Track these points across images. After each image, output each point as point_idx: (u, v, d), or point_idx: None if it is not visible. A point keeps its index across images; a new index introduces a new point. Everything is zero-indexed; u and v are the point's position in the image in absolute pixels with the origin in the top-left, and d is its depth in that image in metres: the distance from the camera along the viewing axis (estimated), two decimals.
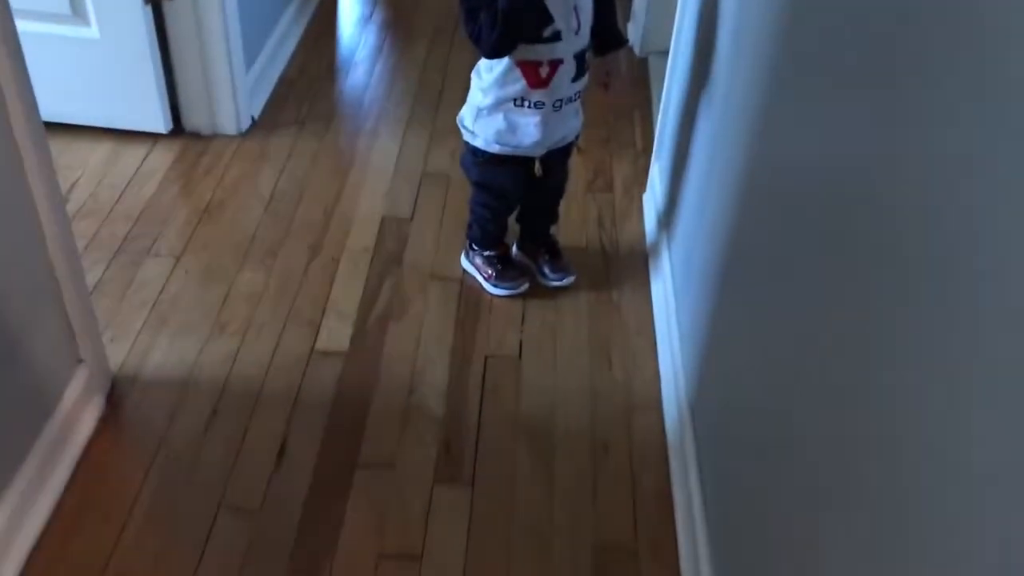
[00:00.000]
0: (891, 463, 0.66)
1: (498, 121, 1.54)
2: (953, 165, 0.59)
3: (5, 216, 1.20)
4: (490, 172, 1.62)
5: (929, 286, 0.61)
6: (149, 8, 1.90)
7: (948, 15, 0.61)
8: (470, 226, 1.72)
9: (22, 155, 1.23)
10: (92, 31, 1.91)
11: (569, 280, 1.74)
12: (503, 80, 1.50)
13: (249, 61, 2.13)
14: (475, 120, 1.56)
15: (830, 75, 0.87)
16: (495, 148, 1.57)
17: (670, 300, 1.62)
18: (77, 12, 1.89)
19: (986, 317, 0.53)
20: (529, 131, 1.54)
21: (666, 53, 1.90)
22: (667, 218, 1.77)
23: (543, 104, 1.51)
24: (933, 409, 0.59)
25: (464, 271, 1.76)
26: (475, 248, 1.74)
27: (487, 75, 1.52)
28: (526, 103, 1.51)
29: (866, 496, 0.70)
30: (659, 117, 1.98)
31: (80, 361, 1.39)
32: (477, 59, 1.52)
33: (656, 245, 1.80)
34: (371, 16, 2.66)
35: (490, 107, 1.53)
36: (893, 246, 0.67)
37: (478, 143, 1.58)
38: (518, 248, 1.79)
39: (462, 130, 1.61)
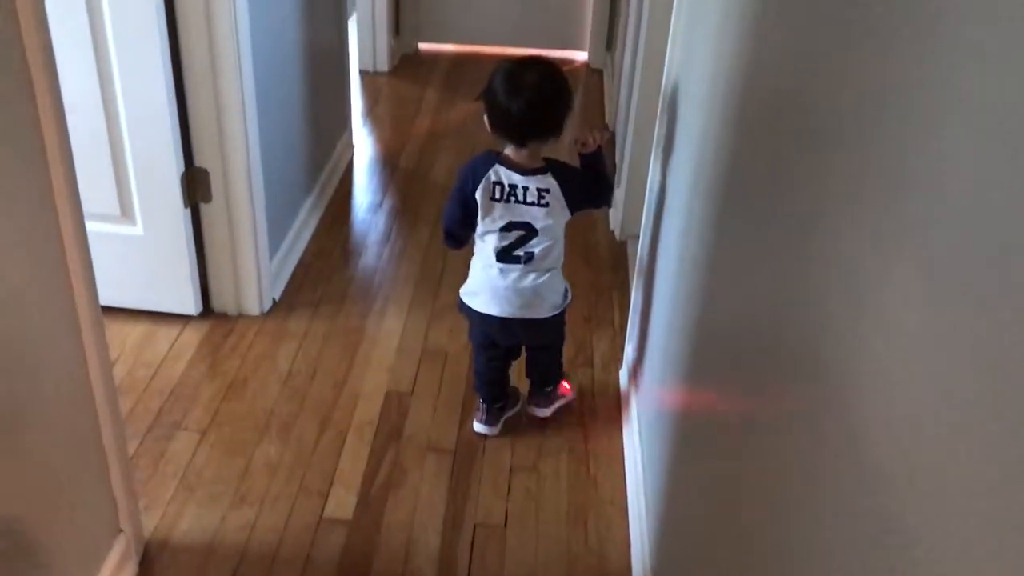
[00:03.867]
0: None
1: None
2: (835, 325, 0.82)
3: (67, 397, 1.43)
4: None
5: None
6: (188, 209, 2.20)
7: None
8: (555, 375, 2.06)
9: (83, 339, 1.47)
10: (137, 229, 2.21)
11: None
12: None
13: (273, 249, 2.42)
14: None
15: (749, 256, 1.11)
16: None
17: (639, 472, 1.83)
18: (126, 213, 2.19)
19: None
20: None
21: None
22: (638, 397, 1.99)
23: None
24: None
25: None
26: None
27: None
28: None
29: None
30: (632, 299, 2.24)
31: (120, 531, 1.59)
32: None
33: (629, 420, 2.02)
34: (381, 204, 2.98)
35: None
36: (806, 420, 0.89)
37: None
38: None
39: (564, 303, 1.90)
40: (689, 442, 1.42)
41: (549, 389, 2.06)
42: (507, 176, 1.75)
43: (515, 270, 1.80)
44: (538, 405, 2.07)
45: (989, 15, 0.52)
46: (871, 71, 0.71)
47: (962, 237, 0.54)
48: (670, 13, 1.90)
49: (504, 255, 1.79)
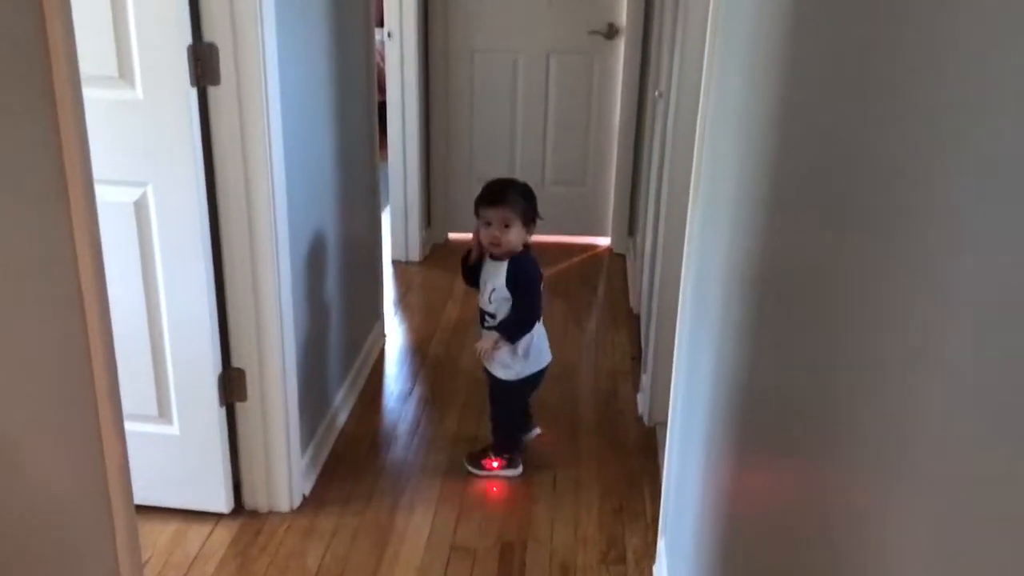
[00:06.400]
0: None
1: None
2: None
3: None
4: None
5: None
6: (224, 409, 2.26)
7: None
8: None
9: (116, 543, 1.48)
10: (174, 429, 2.26)
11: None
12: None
13: (304, 444, 2.46)
14: None
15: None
16: None
17: None
18: (163, 413, 2.25)
19: None
20: None
21: None
22: None
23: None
24: None
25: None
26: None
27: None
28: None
29: None
30: (663, 489, 2.22)
31: None
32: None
33: None
34: (411, 392, 3.03)
35: None
36: None
37: None
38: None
39: None
40: None
41: None
42: None
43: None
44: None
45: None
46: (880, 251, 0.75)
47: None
48: (687, 201, 2.00)
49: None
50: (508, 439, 2.55)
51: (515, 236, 2.32)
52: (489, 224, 2.32)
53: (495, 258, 2.38)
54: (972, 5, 0.60)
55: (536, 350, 2.44)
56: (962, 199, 0.59)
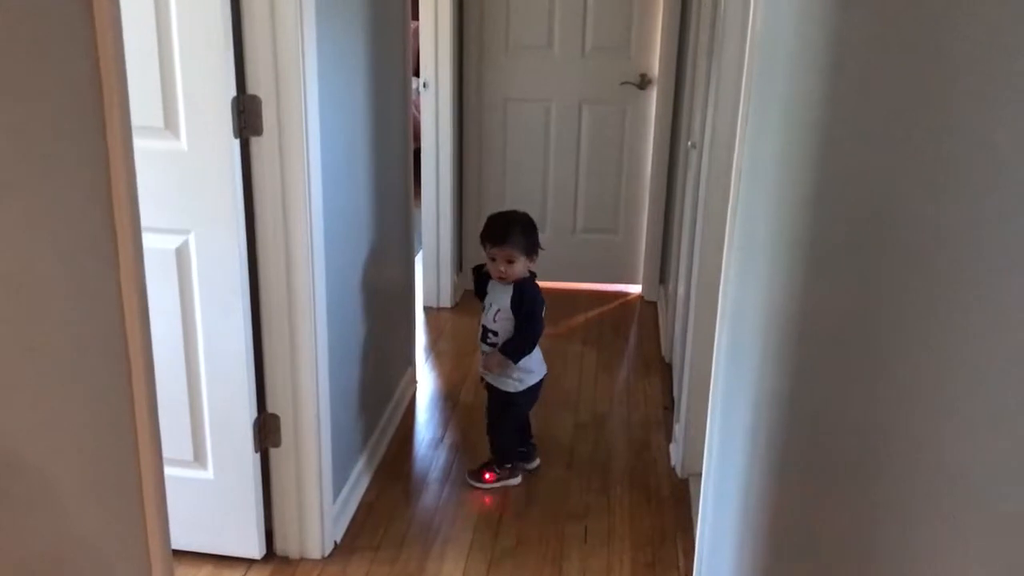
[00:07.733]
0: None
1: None
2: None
3: None
4: None
5: None
6: (258, 454, 2.27)
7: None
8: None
9: None
10: (208, 473, 2.27)
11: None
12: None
13: (336, 491, 2.45)
14: None
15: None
16: None
17: None
18: (198, 458, 2.27)
19: None
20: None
21: None
22: None
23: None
24: None
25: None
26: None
27: None
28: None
29: None
30: (697, 542, 2.19)
31: None
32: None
33: None
34: (442, 439, 3.03)
35: None
36: None
37: None
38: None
39: None
40: None
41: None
42: None
43: None
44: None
45: None
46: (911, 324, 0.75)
47: None
48: (721, 249, 2.00)
49: None
50: (508, 450, 2.72)
51: (519, 268, 2.57)
52: (494, 259, 2.56)
53: (502, 281, 2.60)
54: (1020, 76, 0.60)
55: (536, 363, 2.68)
56: (999, 253, 0.59)
